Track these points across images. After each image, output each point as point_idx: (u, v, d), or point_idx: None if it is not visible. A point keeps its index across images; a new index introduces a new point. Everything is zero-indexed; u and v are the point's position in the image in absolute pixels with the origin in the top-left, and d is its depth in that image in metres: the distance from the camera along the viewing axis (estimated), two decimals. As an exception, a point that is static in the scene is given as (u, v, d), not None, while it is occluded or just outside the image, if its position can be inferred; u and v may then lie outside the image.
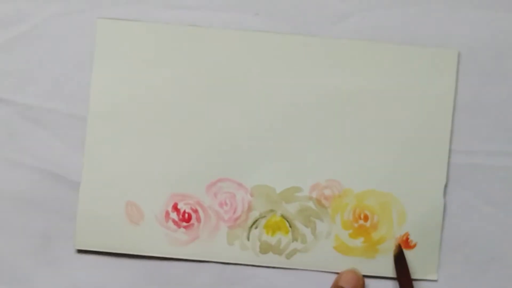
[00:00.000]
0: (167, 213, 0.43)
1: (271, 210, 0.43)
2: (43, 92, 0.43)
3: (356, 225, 0.42)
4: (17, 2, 0.43)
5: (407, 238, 0.42)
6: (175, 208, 0.43)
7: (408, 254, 0.42)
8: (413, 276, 0.42)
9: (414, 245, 0.42)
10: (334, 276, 0.42)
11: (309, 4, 0.43)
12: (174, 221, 0.43)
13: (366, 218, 0.43)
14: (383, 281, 0.42)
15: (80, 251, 0.43)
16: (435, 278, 0.42)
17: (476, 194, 0.43)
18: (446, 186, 0.43)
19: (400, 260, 0.41)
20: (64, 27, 0.43)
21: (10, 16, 0.43)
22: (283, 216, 0.42)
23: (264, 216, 0.43)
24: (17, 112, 0.43)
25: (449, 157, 0.43)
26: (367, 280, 0.42)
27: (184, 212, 0.43)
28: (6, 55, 0.43)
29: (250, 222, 0.43)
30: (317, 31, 0.43)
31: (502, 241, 0.43)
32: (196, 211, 0.43)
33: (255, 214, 0.43)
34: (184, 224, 0.43)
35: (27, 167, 0.43)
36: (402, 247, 0.42)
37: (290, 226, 0.42)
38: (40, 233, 0.43)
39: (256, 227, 0.43)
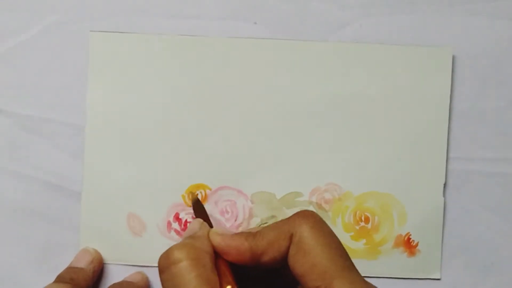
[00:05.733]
0: (169, 223, 0.43)
1: (272, 216, 0.43)
2: (43, 102, 0.43)
3: (357, 227, 0.43)
4: (15, 12, 0.43)
5: (409, 238, 0.42)
6: (177, 218, 0.43)
7: (410, 254, 0.42)
8: (416, 276, 0.42)
9: (416, 245, 0.42)
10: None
11: (307, 13, 0.43)
12: (176, 231, 0.43)
13: (367, 220, 0.43)
14: (385, 281, 0.42)
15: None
16: (438, 277, 0.43)
17: (475, 201, 0.43)
18: (445, 188, 0.43)
19: (197, 206, 0.41)
20: (62, 37, 0.43)
21: (8, 27, 0.43)
22: (284, 222, 0.43)
23: (266, 222, 0.43)
24: (17, 122, 0.43)
25: (447, 164, 0.43)
26: (369, 281, 0.42)
27: (186, 221, 0.43)
28: (5, 65, 0.43)
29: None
30: (316, 39, 0.43)
31: (502, 246, 0.43)
32: (197, 220, 0.43)
33: (256, 221, 0.43)
34: (187, 233, 0.43)
35: (28, 177, 0.43)
36: (407, 247, 0.42)
37: (292, 231, 0.43)
38: (41, 243, 0.43)
39: (258, 234, 0.43)
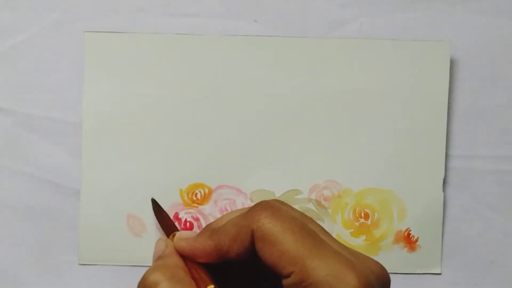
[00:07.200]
0: (169, 223, 0.43)
1: (272, 214, 0.43)
2: (43, 101, 0.43)
3: (357, 223, 0.43)
4: (15, 11, 0.43)
5: (409, 234, 0.43)
6: (177, 217, 0.43)
7: (410, 249, 0.42)
8: (417, 271, 0.43)
9: (416, 240, 0.43)
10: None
11: (307, 11, 0.43)
12: (176, 230, 0.43)
13: (366, 216, 0.43)
14: (387, 277, 0.43)
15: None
16: (439, 272, 0.43)
17: (476, 199, 0.43)
18: (445, 186, 0.43)
19: (159, 211, 0.41)
20: (62, 36, 0.43)
21: (8, 26, 0.43)
22: (284, 220, 0.43)
23: (265, 221, 0.43)
24: (17, 121, 0.43)
25: (448, 162, 0.43)
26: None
27: (186, 221, 0.43)
28: (5, 64, 0.43)
29: (251, 227, 0.43)
30: (316, 37, 0.43)
31: (502, 245, 0.43)
32: (197, 219, 0.43)
33: (256, 219, 0.43)
34: (186, 233, 0.43)
35: (27, 176, 0.43)
36: (407, 243, 0.42)
37: (292, 229, 0.43)
38: (41, 242, 0.43)
39: (258, 232, 0.43)
